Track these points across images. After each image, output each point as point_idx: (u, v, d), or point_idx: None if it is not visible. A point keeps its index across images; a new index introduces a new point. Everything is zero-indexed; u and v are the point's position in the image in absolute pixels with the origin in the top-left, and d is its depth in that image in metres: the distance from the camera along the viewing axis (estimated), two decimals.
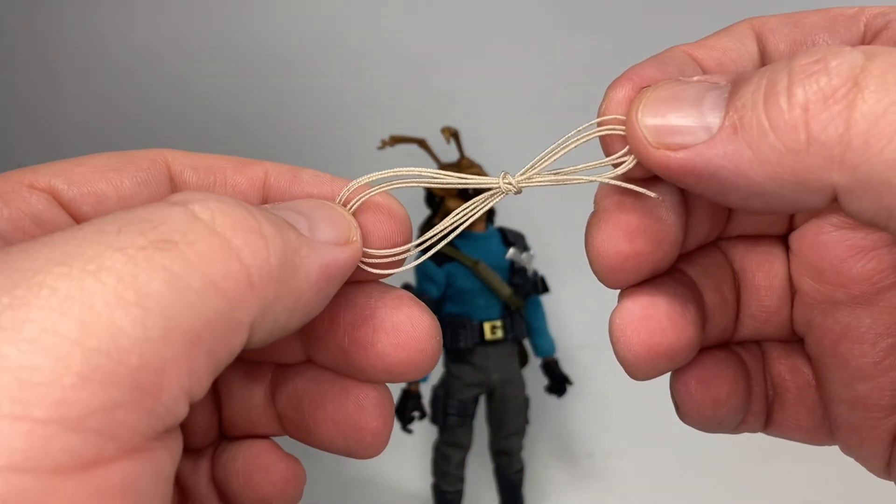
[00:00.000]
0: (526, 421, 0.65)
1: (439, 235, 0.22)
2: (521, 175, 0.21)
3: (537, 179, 0.21)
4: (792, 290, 0.24)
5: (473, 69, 0.77)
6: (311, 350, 0.23)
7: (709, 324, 0.23)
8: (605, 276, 0.22)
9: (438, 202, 0.61)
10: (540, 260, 0.65)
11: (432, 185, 0.21)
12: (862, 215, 0.16)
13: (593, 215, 0.22)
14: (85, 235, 0.15)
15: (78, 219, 0.20)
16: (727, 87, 0.18)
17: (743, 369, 0.24)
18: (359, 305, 0.22)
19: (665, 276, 0.23)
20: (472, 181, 0.21)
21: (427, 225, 0.61)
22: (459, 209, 0.22)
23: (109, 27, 0.78)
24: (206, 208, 0.16)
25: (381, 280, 0.22)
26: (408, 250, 0.22)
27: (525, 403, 0.65)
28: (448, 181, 0.21)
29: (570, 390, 0.66)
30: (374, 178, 0.21)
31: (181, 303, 0.14)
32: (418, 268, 0.61)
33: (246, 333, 0.16)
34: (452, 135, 0.60)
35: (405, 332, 0.21)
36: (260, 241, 0.16)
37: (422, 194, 0.62)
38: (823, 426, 0.24)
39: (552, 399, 0.67)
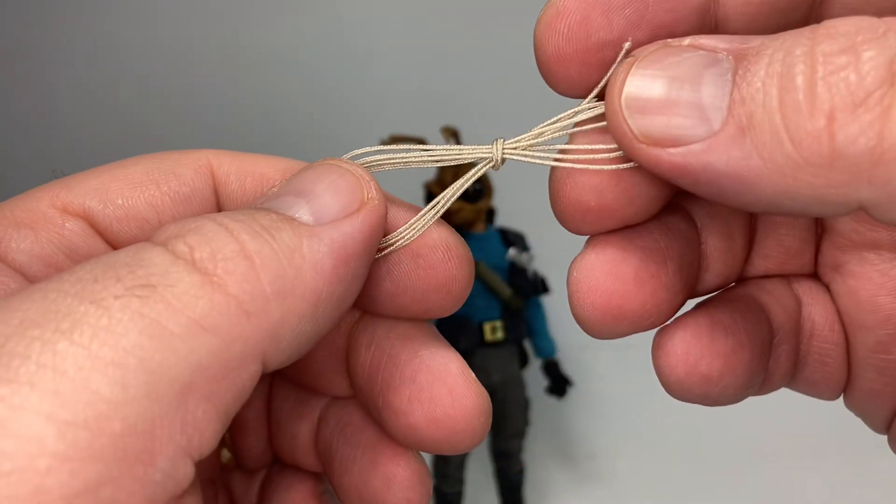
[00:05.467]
0: (526, 422, 0.65)
1: (441, 204, 0.21)
2: (511, 143, 0.19)
3: (521, 153, 0.19)
4: (819, 229, 0.20)
5: (473, 69, 0.77)
6: (354, 389, 0.21)
7: (707, 273, 0.21)
8: (566, 223, 0.19)
9: None
10: (540, 260, 0.65)
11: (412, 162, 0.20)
12: (895, 224, 0.14)
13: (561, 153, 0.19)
14: (61, 287, 0.13)
15: (115, 245, 0.19)
16: (730, 64, 0.15)
17: (753, 334, 0.20)
18: (401, 363, 0.20)
19: (649, 223, 0.19)
20: (449, 156, 0.20)
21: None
22: (448, 190, 0.20)
23: (108, 28, 0.78)
24: (183, 244, 0.15)
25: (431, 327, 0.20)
26: (423, 225, 0.20)
27: (525, 405, 0.64)
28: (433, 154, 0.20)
29: (571, 391, 0.66)
30: (358, 153, 0.19)
31: (165, 352, 0.13)
32: None
33: (255, 365, 0.15)
34: (452, 135, 0.60)
35: (443, 407, 0.19)
36: (244, 264, 0.15)
37: (422, 193, 0.62)
38: (837, 384, 0.21)
39: (553, 400, 0.67)
